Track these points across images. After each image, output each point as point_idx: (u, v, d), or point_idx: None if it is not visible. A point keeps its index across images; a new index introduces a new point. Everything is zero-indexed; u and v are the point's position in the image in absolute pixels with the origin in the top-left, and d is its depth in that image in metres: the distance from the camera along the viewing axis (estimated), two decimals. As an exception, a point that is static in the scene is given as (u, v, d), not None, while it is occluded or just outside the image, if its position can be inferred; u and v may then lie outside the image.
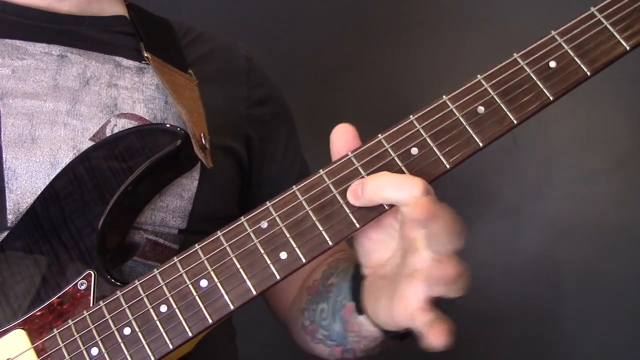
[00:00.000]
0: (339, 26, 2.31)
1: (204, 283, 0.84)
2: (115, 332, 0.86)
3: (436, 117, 0.84)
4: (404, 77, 2.30)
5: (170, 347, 0.84)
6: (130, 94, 1.12)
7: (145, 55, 1.14)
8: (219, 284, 0.84)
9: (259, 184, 1.28)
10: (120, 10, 1.22)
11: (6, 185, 1.01)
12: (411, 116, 0.85)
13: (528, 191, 2.24)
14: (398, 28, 2.29)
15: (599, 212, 2.19)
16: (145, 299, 0.86)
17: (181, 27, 1.30)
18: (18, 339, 0.90)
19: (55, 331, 0.88)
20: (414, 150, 0.84)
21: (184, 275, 0.85)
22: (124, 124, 1.07)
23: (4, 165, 1.02)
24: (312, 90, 2.26)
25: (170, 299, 0.85)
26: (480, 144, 0.83)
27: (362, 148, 0.85)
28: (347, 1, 2.32)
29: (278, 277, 0.83)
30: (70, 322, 0.88)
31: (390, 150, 0.84)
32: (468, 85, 0.85)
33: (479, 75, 0.85)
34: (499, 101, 0.84)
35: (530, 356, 2.24)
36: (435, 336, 0.76)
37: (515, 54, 0.85)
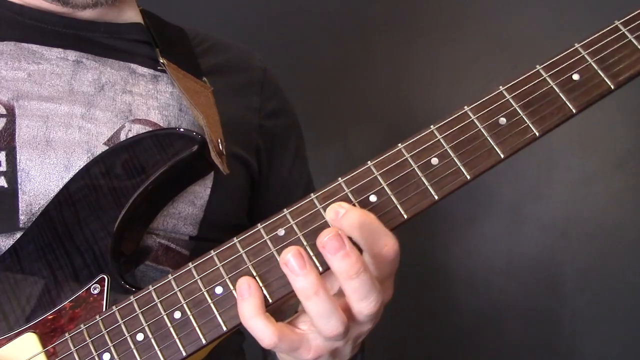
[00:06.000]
0: (340, 26, 2.31)
1: (219, 290, 0.83)
2: (128, 338, 0.85)
3: (457, 127, 0.84)
4: (405, 77, 2.30)
5: (184, 354, 0.83)
6: (145, 101, 1.12)
7: (162, 61, 1.14)
8: (234, 292, 0.83)
9: (265, 194, 1.28)
10: (135, 17, 1.22)
11: (19, 187, 1.01)
12: (432, 126, 0.84)
13: (528, 191, 2.24)
14: (396, 27, 2.30)
15: (599, 212, 2.19)
16: (159, 304, 0.85)
17: (195, 35, 1.30)
18: (29, 342, 0.89)
19: (67, 335, 0.87)
20: (435, 161, 0.83)
21: (199, 281, 0.84)
22: (138, 130, 1.07)
23: (18, 167, 1.02)
24: (312, 91, 2.26)
25: (185, 305, 0.84)
26: (502, 156, 0.82)
27: (382, 157, 0.84)
28: (347, 1, 2.32)
29: None
30: (83, 327, 0.87)
31: (410, 160, 0.83)
32: (490, 96, 0.84)
33: (501, 87, 0.84)
34: (521, 113, 0.83)
35: (530, 356, 2.25)
36: None
37: (538, 66, 0.85)
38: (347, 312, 0.80)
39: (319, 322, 0.78)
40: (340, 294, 0.80)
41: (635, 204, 2.18)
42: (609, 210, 2.19)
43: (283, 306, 1.15)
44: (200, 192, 1.10)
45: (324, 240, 0.77)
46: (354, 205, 0.83)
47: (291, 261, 0.77)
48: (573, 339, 2.21)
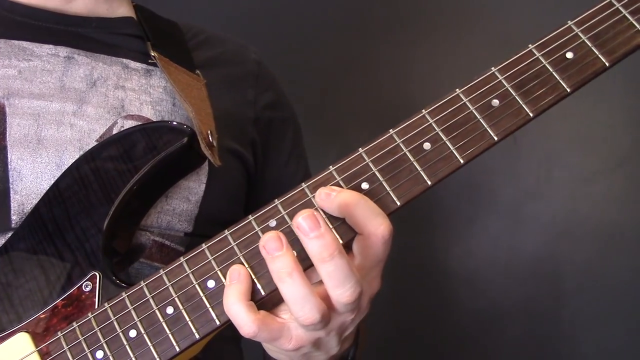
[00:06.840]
0: (339, 26, 2.31)
1: (211, 283, 0.82)
2: (121, 335, 0.84)
3: (449, 110, 0.82)
4: (407, 77, 2.30)
5: (177, 349, 0.82)
6: (138, 96, 1.10)
7: (153, 54, 1.13)
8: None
9: (262, 188, 1.27)
10: (127, 11, 1.21)
11: (11, 186, 1.00)
12: (423, 110, 0.83)
13: (528, 191, 2.23)
14: (397, 26, 2.29)
15: (599, 212, 2.18)
16: (151, 300, 0.84)
17: (189, 29, 1.28)
18: (22, 342, 0.88)
19: (60, 334, 0.86)
20: (427, 145, 0.82)
21: (191, 275, 0.83)
22: (130, 126, 1.05)
23: (9, 166, 1.01)
24: (313, 90, 2.26)
25: (177, 300, 0.83)
26: (495, 138, 0.81)
27: (373, 143, 0.83)
28: (349, 0, 2.32)
29: None
30: (75, 325, 0.86)
31: (401, 145, 0.82)
32: (482, 77, 0.83)
33: (493, 68, 0.83)
34: (514, 94, 0.82)
35: (531, 356, 2.24)
36: None
37: (530, 45, 0.83)
38: (327, 300, 0.78)
39: (294, 307, 0.77)
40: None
41: (635, 203, 2.17)
42: (609, 209, 2.19)
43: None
44: (195, 188, 1.09)
45: (298, 220, 0.76)
46: None
47: (268, 243, 0.76)
48: (573, 338, 2.20)
